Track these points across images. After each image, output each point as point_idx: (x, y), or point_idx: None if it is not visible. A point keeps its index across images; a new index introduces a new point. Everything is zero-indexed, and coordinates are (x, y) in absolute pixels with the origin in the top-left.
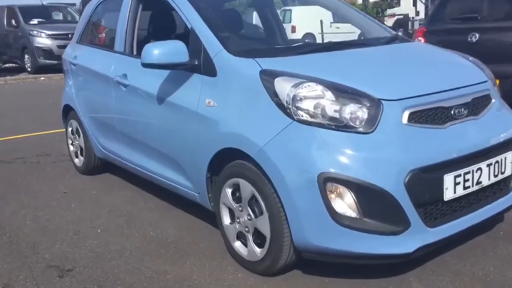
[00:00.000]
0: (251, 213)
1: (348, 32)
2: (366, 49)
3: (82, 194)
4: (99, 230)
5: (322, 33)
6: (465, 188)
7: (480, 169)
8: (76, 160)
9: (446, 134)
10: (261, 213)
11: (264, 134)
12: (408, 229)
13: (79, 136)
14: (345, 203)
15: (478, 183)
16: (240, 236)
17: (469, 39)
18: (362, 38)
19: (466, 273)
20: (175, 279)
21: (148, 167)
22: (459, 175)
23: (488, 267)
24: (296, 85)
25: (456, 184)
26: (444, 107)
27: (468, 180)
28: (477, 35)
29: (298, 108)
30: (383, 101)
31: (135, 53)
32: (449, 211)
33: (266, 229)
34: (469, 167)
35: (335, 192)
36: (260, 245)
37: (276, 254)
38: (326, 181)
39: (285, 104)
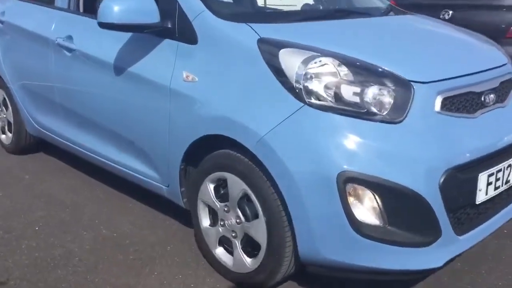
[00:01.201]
0: (241, 215)
1: None
2: (372, 20)
3: (11, 180)
4: (37, 228)
5: None
6: (496, 188)
7: (510, 166)
8: (3, 137)
9: (478, 125)
10: (255, 216)
11: (265, 120)
12: (438, 239)
13: (6, 108)
14: (367, 209)
15: (507, 182)
16: (223, 241)
17: (441, 16)
18: (356, 6)
19: (484, 283)
20: None
21: (99, 150)
22: (492, 174)
23: (506, 274)
24: (307, 60)
25: (488, 184)
26: (475, 92)
27: (499, 179)
28: (450, 12)
29: (310, 90)
30: (413, 84)
31: (82, 10)
32: (476, 214)
33: (261, 237)
34: (501, 164)
35: (356, 195)
36: (250, 254)
37: (273, 267)
38: (346, 182)
39: (293, 83)
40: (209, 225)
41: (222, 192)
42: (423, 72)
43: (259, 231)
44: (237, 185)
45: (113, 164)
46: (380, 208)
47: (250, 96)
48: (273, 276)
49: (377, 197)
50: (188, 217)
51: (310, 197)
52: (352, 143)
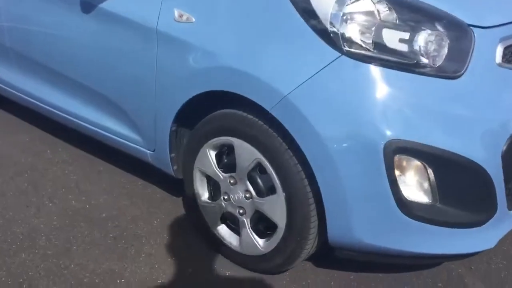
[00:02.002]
0: (251, 190)
1: None
2: None
3: None
4: None
5: None
6: None
7: None
8: None
9: None
10: (271, 191)
11: (290, 74)
12: (493, 216)
13: None
14: (415, 185)
15: None
16: (227, 218)
17: None
18: None
19: None
20: (131, 286)
21: (64, 106)
22: None
23: None
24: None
25: None
26: None
27: None
28: None
29: (348, 35)
30: (474, 29)
31: None
32: None
33: (278, 215)
34: None
35: (403, 169)
36: (262, 234)
37: (294, 250)
38: (395, 153)
39: (327, 27)
40: (208, 199)
41: (226, 161)
42: (483, 15)
43: (275, 209)
44: (248, 154)
45: (81, 123)
46: (431, 184)
47: (268, 43)
48: (292, 260)
49: (429, 170)
50: (174, 184)
51: (347, 171)
52: (402, 104)
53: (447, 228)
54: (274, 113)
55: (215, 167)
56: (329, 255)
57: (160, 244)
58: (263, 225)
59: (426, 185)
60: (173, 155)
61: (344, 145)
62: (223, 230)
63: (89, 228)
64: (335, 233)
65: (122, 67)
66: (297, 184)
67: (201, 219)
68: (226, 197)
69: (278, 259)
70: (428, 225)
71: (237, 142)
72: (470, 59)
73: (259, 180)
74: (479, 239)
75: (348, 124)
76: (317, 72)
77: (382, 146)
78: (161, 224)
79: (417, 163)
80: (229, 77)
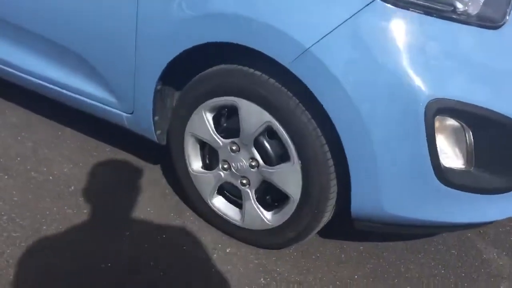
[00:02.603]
0: (258, 158)
1: None
2: None
3: None
4: None
5: None
6: None
7: None
8: None
9: None
10: (282, 159)
11: (313, 24)
12: None
13: None
14: (451, 148)
15: None
16: (225, 188)
17: None
18: None
19: None
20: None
21: (24, 66)
22: None
23: None
24: None
25: None
26: None
27: None
28: None
29: None
30: None
31: None
32: None
33: (291, 186)
34: None
35: (441, 131)
36: (269, 207)
37: (308, 224)
38: (436, 114)
39: None
40: (202, 168)
41: (225, 125)
42: None
43: (288, 179)
44: (256, 117)
45: (46, 84)
46: (468, 147)
47: None
48: (306, 234)
49: (467, 132)
50: (150, 150)
51: (380, 135)
52: (444, 57)
53: (482, 195)
54: (292, 69)
55: (213, 132)
56: (336, 226)
57: (144, 221)
58: (270, 197)
59: (462, 148)
60: (156, 118)
61: (377, 105)
62: (220, 202)
63: (57, 203)
64: (360, 204)
65: (94, 16)
66: (316, 151)
67: (193, 190)
68: (225, 166)
69: (290, 233)
70: (464, 193)
71: (242, 104)
72: (510, 7)
73: (267, 147)
74: (509, 205)
75: (382, 80)
76: (345, 21)
77: (423, 105)
78: (144, 197)
79: (455, 124)
80: (236, 27)
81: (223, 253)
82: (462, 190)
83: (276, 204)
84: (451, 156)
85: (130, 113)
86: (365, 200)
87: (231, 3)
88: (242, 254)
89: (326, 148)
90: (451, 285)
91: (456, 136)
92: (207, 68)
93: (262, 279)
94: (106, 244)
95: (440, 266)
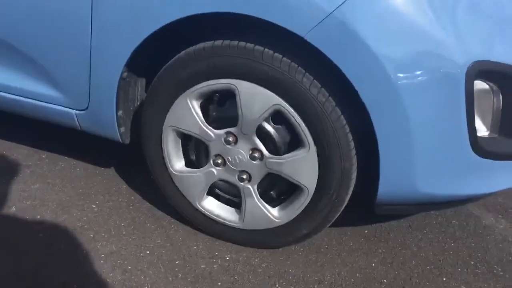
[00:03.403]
0: (261, 147)
1: None
2: None
3: None
4: None
5: None
6: None
7: None
8: None
9: None
10: (290, 146)
11: None
12: None
13: None
14: (482, 115)
15: None
16: (217, 187)
17: None
18: None
19: None
20: None
21: None
22: None
23: None
24: None
25: None
26: None
27: None
28: None
29: None
30: None
31: None
32: None
33: (305, 175)
34: None
35: (477, 97)
36: (274, 202)
37: (326, 216)
38: (476, 77)
39: None
40: (185, 167)
41: (214, 114)
42: None
43: (301, 167)
44: (260, 100)
45: None
46: (495, 112)
47: None
48: (321, 228)
49: (498, 96)
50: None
51: (417, 106)
52: (483, 17)
53: (507, 162)
54: (310, 38)
55: (203, 124)
56: None
57: (118, 235)
58: (275, 191)
59: (492, 114)
60: (120, 112)
61: (413, 72)
62: (211, 204)
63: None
64: (389, 187)
65: None
66: (338, 133)
67: (174, 194)
68: (219, 161)
69: (303, 229)
70: (495, 161)
71: (242, 86)
72: None
73: (273, 134)
74: None
75: (418, 43)
76: None
77: (463, 69)
78: (104, 211)
79: (486, 88)
80: None
81: (223, 262)
82: (496, 159)
83: (282, 198)
84: (483, 124)
85: (82, 110)
86: (395, 182)
87: None
88: (245, 259)
89: (347, 128)
90: (467, 258)
91: (487, 102)
92: (180, 50)
93: (277, 285)
94: (71, 269)
95: (448, 240)
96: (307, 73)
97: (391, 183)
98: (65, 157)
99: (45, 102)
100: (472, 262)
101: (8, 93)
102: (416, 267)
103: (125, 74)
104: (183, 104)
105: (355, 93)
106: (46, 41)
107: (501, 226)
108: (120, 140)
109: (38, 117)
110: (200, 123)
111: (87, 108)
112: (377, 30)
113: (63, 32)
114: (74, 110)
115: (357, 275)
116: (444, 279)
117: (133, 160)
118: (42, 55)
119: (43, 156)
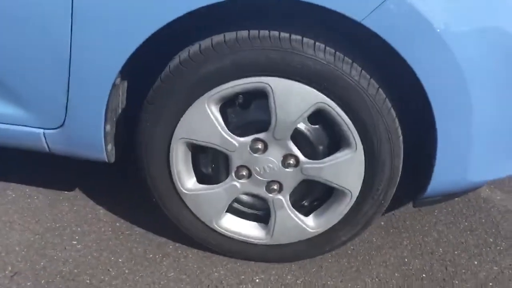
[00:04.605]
0: (297, 152)
1: None
2: None
3: None
4: None
5: None
6: None
7: None
8: None
9: None
10: (330, 149)
11: None
12: None
13: None
14: None
15: None
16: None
17: None
18: None
19: None
20: None
21: None
22: None
23: None
24: None
25: None
26: None
27: None
28: None
29: None
30: None
31: None
32: None
33: (349, 178)
34: None
35: None
36: (304, 210)
37: (369, 219)
38: None
39: None
40: (198, 183)
41: (235, 119)
42: None
43: (346, 170)
44: (300, 99)
45: None
46: None
47: None
48: (360, 232)
49: None
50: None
51: (482, 95)
52: None
53: None
54: (368, 23)
55: (224, 131)
56: None
57: (120, 278)
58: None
59: None
60: (108, 127)
61: (478, 53)
62: (230, 221)
63: None
64: (440, 180)
65: None
66: (389, 128)
67: (185, 215)
68: (243, 173)
69: (342, 236)
70: None
71: (278, 84)
72: None
73: (310, 136)
74: None
75: (486, 20)
76: None
77: None
78: (90, 246)
79: None
80: None
81: (254, 285)
82: None
83: (315, 204)
84: None
85: (54, 128)
86: (449, 174)
87: None
88: (276, 278)
89: (397, 122)
90: (485, 236)
91: None
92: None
93: None
94: None
95: (460, 219)
96: (354, 63)
97: (444, 176)
98: (13, 184)
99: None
100: (491, 240)
101: None
102: (445, 255)
103: (118, 79)
104: (199, 111)
105: (405, 82)
106: (8, 52)
107: (498, 197)
108: (106, 160)
109: None
110: (222, 131)
111: (62, 125)
112: (445, 11)
113: (32, 37)
114: (42, 129)
115: (396, 274)
116: (476, 262)
117: (103, 178)
118: (3, 69)
119: None
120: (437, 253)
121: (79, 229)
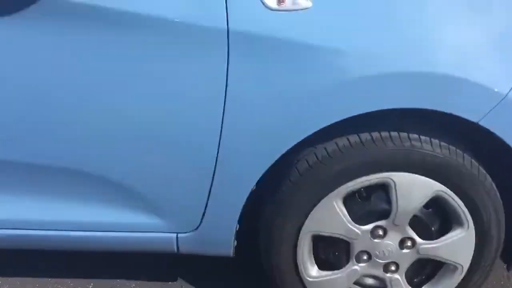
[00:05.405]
0: (413, 235)
1: None
2: None
3: None
4: None
5: None
6: None
7: None
8: None
9: None
10: (442, 229)
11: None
12: None
13: None
14: None
15: None
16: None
17: None
18: None
19: None
20: None
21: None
22: None
23: None
24: None
25: None
26: None
27: None
28: None
29: None
30: None
31: None
32: None
33: (461, 254)
34: None
35: None
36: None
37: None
38: None
39: None
40: (322, 270)
41: (359, 211)
42: None
43: (458, 248)
44: (420, 189)
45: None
46: None
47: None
48: None
49: None
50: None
51: None
52: None
53: None
54: (484, 123)
55: (349, 223)
56: None
57: None
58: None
59: None
60: (237, 226)
61: None
62: None
63: None
64: None
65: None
66: (495, 206)
67: None
68: (364, 258)
69: None
70: None
71: (400, 178)
72: None
73: (426, 220)
74: None
75: None
76: None
77: None
78: None
79: None
80: (423, 87)
81: None
82: None
83: (424, 277)
84: None
85: (188, 232)
86: None
87: (396, 60)
88: None
89: (499, 197)
90: None
91: None
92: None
93: None
94: None
95: None
96: (465, 154)
97: None
98: None
99: (131, 231)
100: None
101: (95, 230)
102: None
103: (253, 188)
104: (327, 207)
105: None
106: (156, 170)
107: None
108: (232, 255)
109: (113, 250)
110: (347, 223)
111: (196, 228)
112: None
113: (181, 158)
114: (175, 234)
115: None
116: None
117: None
118: (144, 184)
119: None
120: None
121: None
